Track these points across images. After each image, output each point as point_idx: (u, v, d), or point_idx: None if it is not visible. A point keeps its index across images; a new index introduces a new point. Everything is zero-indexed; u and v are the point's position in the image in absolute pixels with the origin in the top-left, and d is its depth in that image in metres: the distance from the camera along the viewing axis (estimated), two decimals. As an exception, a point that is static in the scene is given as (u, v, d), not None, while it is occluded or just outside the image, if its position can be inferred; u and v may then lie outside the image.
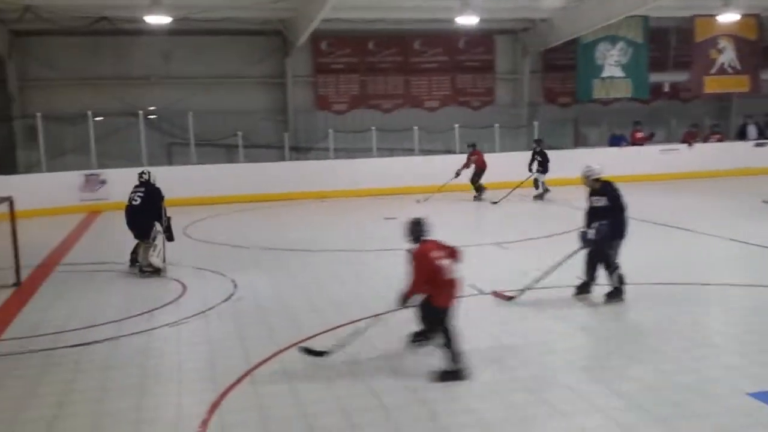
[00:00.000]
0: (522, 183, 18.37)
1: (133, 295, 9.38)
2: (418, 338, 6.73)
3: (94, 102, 20.42)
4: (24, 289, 9.94)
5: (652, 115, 25.50)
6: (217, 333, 7.64)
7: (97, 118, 19.39)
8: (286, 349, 6.93)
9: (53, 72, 21.59)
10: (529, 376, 6.11)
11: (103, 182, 18.35)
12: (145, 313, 8.44)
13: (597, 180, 8.44)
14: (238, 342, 7.27)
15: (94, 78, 21.79)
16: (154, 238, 10.28)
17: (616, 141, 23.66)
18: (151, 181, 10.70)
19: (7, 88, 21.24)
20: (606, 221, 8.06)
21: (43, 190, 17.43)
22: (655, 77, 24.53)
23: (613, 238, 8.13)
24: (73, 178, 18.33)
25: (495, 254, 11.53)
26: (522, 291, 8.54)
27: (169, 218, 10.47)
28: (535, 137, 20.25)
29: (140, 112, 19.80)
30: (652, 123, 24.87)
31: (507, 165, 21.04)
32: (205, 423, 5.30)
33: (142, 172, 10.84)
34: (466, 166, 18.94)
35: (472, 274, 9.87)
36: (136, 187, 10.58)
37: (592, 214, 8.29)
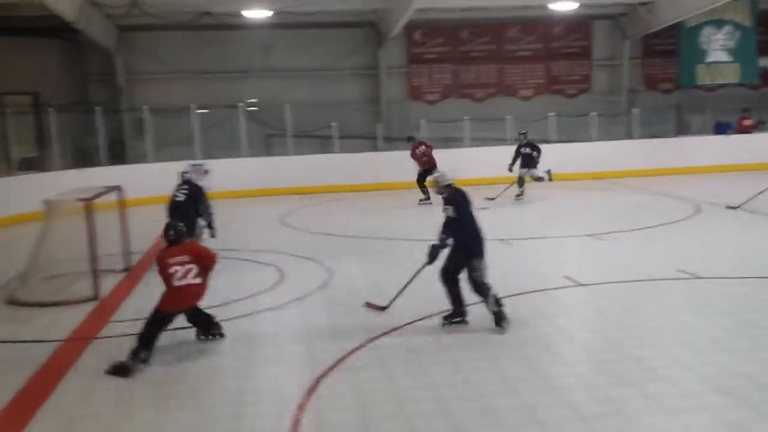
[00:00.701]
0: (510, 184, 16.60)
1: (235, 281, 9.72)
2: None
3: (197, 95, 21.24)
4: (132, 274, 10.47)
5: (761, 101, 24.24)
6: (314, 319, 7.83)
7: (200, 111, 20.13)
8: (379, 336, 7.03)
9: (159, 66, 22.56)
10: (628, 369, 5.97)
11: (206, 172, 19.00)
12: (247, 298, 8.74)
13: (448, 186, 7.38)
14: (334, 328, 7.43)
15: (198, 71, 22.65)
16: (199, 234, 10.46)
17: (721, 129, 22.65)
18: (193, 180, 10.79)
19: (115, 82, 22.35)
20: (445, 236, 7.13)
21: (150, 180, 18.23)
22: (764, 62, 23.31)
23: (468, 257, 7.13)
24: (178, 168, 19.07)
25: (591, 246, 11.29)
26: (391, 302, 7.77)
27: (211, 214, 10.58)
28: (521, 130, 17.50)
29: (240, 104, 20.44)
30: (761, 110, 23.63)
31: (604, 155, 20.60)
32: (302, 406, 5.46)
33: (185, 171, 10.92)
34: (428, 160, 16.59)
35: (568, 265, 9.78)
36: (180, 184, 10.66)
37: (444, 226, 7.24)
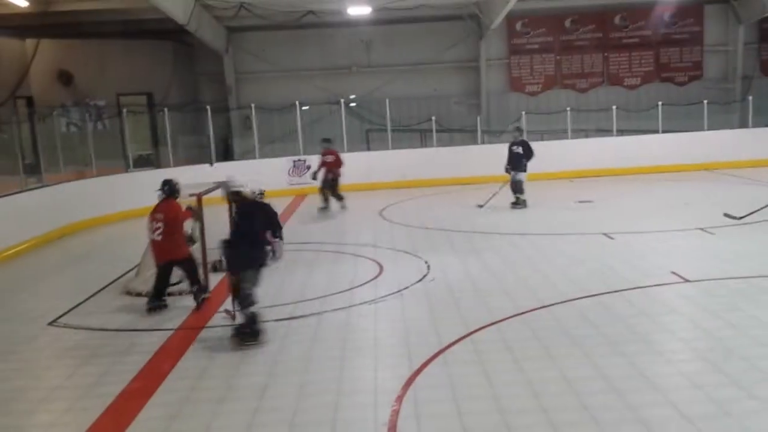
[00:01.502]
0: (503, 185, 15.02)
1: (335, 273, 9.96)
2: None
3: (300, 92, 21.81)
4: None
5: None
6: (411, 312, 7.92)
7: (303, 108, 20.64)
8: (477, 330, 7.05)
9: (264, 65, 23.29)
10: (736, 370, 5.74)
11: (309, 167, 19.50)
12: (346, 290, 8.95)
13: (237, 194, 7.24)
14: (431, 322, 7.50)
15: (301, 69, 23.22)
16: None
17: None
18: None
19: (224, 82, 23.23)
20: (230, 244, 7.11)
21: (257, 175, 18.88)
22: None
23: (244, 266, 7.03)
24: (282, 163, 19.67)
25: (700, 240, 10.85)
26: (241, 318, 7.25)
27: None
28: (517, 126, 16.08)
29: (342, 100, 20.81)
30: None
31: (717, 145, 19.71)
32: (399, 398, 5.56)
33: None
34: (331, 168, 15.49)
35: (675, 260, 9.45)
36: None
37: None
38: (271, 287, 9.37)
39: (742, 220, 11.56)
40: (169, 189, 8.43)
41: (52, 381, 6.66)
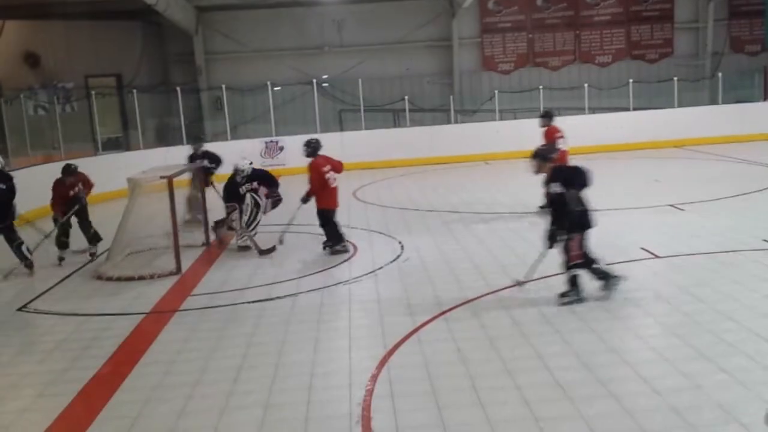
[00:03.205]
0: None
1: (309, 254, 9.94)
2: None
3: (272, 72, 21.59)
4: (212, 249, 10.83)
5: None
6: (385, 292, 7.93)
7: (275, 88, 20.44)
8: (451, 309, 7.08)
9: (235, 45, 23.00)
10: (705, 344, 5.82)
11: (282, 148, 19.38)
12: (321, 271, 8.94)
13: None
14: (405, 301, 7.52)
15: (273, 49, 22.96)
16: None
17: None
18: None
19: (194, 62, 22.92)
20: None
21: (229, 157, 18.72)
22: None
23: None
24: (255, 145, 19.51)
25: (670, 217, 10.97)
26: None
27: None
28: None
29: (314, 80, 20.65)
30: None
31: (687, 122, 19.91)
32: (374, 378, 5.57)
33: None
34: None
35: (645, 237, 9.55)
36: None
37: None
38: (246, 269, 9.35)
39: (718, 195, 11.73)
40: (313, 148, 9.97)
41: (23, 367, 6.57)
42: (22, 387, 6.05)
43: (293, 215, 10.31)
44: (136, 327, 7.31)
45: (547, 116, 12.60)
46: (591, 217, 7.11)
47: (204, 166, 11.93)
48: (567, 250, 7.00)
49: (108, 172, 14.31)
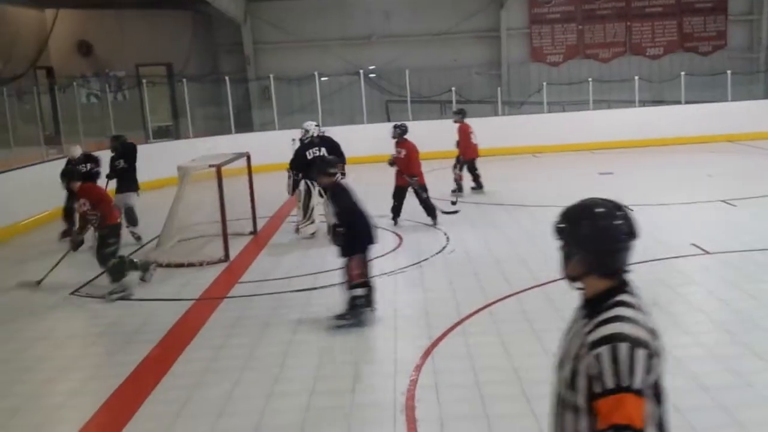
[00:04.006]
0: None
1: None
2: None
3: (319, 62, 21.67)
4: (260, 237, 10.96)
5: None
6: (430, 283, 7.94)
7: (322, 78, 20.54)
8: (496, 301, 7.06)
9: (283, 35, 23.14)
10: (757, 341, 5.70)
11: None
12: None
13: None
14: (450, 293, 7.51)
15: (320, 39, 23.05)
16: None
17: None
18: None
19: (243, 52, 23.16)
20: None
21: (276, 147, 18.86)
22: None
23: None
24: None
25: (723, 212, 10.73)
26: None
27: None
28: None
29: (361, 71, 20.68)
30: None
31: (740, 115, 19.42)
32: (418, 368, 5.59)
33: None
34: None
35: (696, 232, 9.36)
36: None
37: None
38: (293, 258, 9.44)
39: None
40: (402, 131, 11.05)
41: (74, 350, 6.77)
42: (72, 369, 6.23)
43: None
44: (185, 313, 7.45)
45: (460, 113, 13.98)
46: (367, 236, 6.74)
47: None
48: (347, 270, 6.63)
49: (158, 160, 14.58)
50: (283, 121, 20.36)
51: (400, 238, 10.12)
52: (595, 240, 2.29)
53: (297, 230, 10.75)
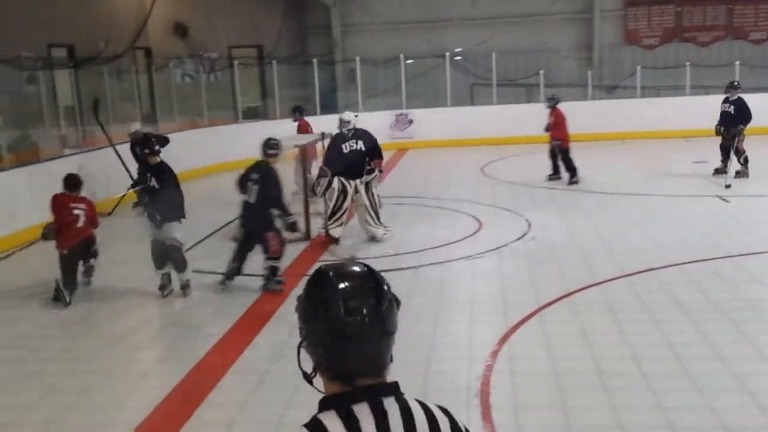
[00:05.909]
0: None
1: (433, 228, 9.96)
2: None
3: (404, 45, 21.60)
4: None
5: None
6: (509, 270, 7.85)
7: (407, 61, 20.50)
8: (577, 290, 6.91)
9: (370, 17, 23.21)
10: None
11: (411, 122, 19.46)
12: (444, 246, 8.95)
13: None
14: (529, 280, 7.41)
15: (406, 22, 22.99)
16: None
17: None
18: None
19: (331, 34, 23.37)
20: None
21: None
22: None
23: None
24: (385, 117, 19.68)
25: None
26: None
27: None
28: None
29: (446, 53, 20.52)
30: None
31: None
32: (494, 354, 5.56)
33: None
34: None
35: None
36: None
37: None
38: (368, 241, 9.48)
39: None
40: (555, 101, 12.65)
41: (164, 320, 7.05)
42: (161, 338, 6.52)
43: None
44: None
45: (297, 111, 13.25)
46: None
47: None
48: (268, 245, 7.40)
49: (246, 140, 14.89)
50: (367, 103, 20.45)
51: (480, 222, 10.03)
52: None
53: (326, 233, 9.46)
